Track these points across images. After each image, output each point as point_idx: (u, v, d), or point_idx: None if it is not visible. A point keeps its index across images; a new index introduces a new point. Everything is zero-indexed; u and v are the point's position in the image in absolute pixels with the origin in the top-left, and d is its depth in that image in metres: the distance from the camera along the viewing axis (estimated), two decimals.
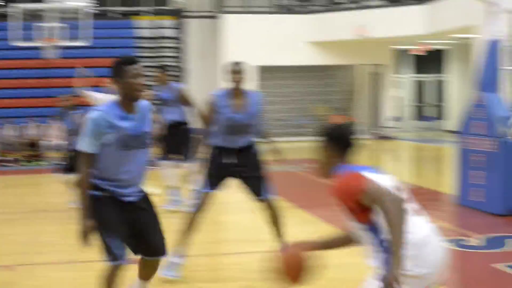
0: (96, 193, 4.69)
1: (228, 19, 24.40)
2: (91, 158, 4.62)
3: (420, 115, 29.82)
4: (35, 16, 21.36)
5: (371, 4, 24.37)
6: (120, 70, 4.63)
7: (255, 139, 7.09)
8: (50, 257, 8.00)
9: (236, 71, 6.96)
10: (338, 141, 3.90)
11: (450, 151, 15.47)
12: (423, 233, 3.74)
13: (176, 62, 23.98)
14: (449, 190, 11.38)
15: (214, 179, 6.93)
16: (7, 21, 20.90)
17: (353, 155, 3.93)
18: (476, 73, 10.72)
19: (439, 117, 29.40)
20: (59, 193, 11.44)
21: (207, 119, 7.01)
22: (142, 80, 4.65)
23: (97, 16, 23.06)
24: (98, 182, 4.70)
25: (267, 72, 24.95)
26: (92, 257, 4.77)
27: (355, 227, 3.80)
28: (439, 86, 30.03)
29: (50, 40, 20.45)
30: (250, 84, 23.78)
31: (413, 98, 30.41)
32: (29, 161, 18.41)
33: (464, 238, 8.45)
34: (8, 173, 16.89)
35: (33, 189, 14.41)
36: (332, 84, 26.56)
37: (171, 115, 10.32)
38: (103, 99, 11.28)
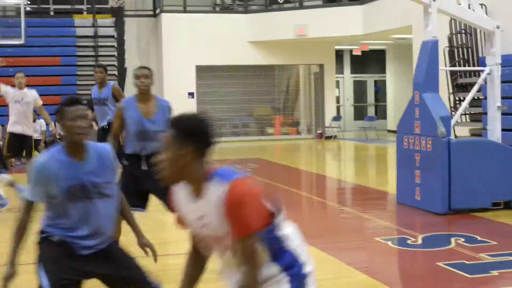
0: (43, 236, 4.44)
1: (167, 18, 24.26)
2: (31, 206, 4.37)
3: (361, 115, 30.11)
4: None
5: (310, 4, 24.51)
6: (61, 111, 4.35)
7: None
8: None
9: (140, 75, 6.73)
10: (197, 135, 3.06)
11: (391, 151, 15.67)
12: (298, 237, 3.35)
13: (116, 61, 23.75)
14: (392, 190, 11.51)
15: (125, 193, 6.75)
16: None
17: (211, 155, 3.14)
18: (414, 73, 10.87)
19: (380, 116, 29.74)
20: None
21: (117, 126, 6.85)
22: (83, 123, 4.29)
23: (37, 13, 22.69)
24: (51, 231, 4.42)
25: (207, 71, 24.91)
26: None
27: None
28: (380, 86, 30.39)
29: None
30: (190, 83, 23.46)
31: (354, 98, 30.71)
32: None
33: (406, 236, 8.54)
34: None
35: None
36: (274, 84, 26.67)
37: (111, 115, 10.33)
38: (12, 94, 11.46)
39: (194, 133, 3.04)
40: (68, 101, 4.38)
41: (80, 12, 25.07)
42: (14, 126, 11.55)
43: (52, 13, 25.22)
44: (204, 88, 25.00)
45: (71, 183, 4.30)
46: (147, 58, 24.57)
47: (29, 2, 21.82)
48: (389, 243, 8.25)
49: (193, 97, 24.22)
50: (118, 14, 24.49)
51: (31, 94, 11.73)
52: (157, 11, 24.95)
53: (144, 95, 6.74)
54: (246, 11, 25.25)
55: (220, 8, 26.10)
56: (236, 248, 3.06)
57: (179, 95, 23.73)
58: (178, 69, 23.97)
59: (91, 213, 4.39)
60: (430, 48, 10.40)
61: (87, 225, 4.40)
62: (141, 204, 6.75)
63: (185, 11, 24.68)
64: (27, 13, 21.06)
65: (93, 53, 23.68)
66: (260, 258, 3.07)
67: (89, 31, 24.12)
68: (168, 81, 23.92)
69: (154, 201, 6.89)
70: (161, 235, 9.10)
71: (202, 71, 24.73)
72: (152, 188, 6.64)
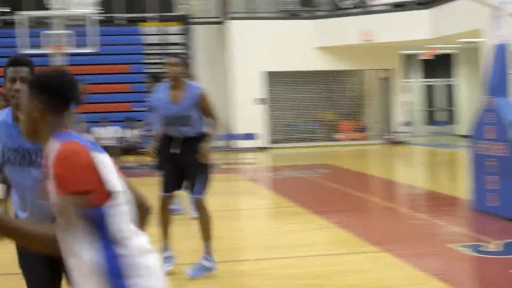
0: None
1: (234, 25, 24.41)
2: None
3: (431, 120, 29.76)
4: (42, 23, 21.40)
5: (376, 9, 24.37)
6: (4, 71, 4.00)
7: (201, 132, 7.02)
8: None
9: (170, 64, 7.03)
10: (49, 91, 2.87)
11: (462, 156, 15.43)
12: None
13: None
14: (464, 195, 11.32)
15: (166, 177, 7.10)
16: (14, 29, 20.95)
17: (72, 117, 2.96)
18: (484, 77, 10.68)
19: (450, 121, 29.35)
20: None
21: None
22: (22, 86, 3.87)
23: (103, 22, 23.10)
24: (18, 214, 4.18)
25: (275, 77, 24.96)
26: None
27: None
28: (449, 91, 29.98)
29: (58, 47, 20.44)
30: (258, 90, 23.59)
31: (423, 103, 30.35)
32: None
33: (481, 243, 8.38)
34: None
35: None
36: (341, 89, 26.53)
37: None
38: None
39: (46, 88, 2.86)
40: (10, 60, 3.99)
41: (146, 20, 25.40)
42: None
43: (119, 21, 25.64)
44: (272, 94, 25.06)
45: (8, 146, 4.01)
46: (215, 65, 24.76)
47: (103, 11, 22.22)
48: (463, 249, 8.11)
49: (262, 103, 24.30)
50: (186, 21, 24.75)
51: None
52: (224, 18, 25.12)
53: (174, 81, 7.04)
54: (313, 17, 25.24)
55: (286, 14, 26.13)
56: (57, 205, 2.73)
57: (247, 101, 23.90)
58: (245, 75, 24.09)
59: (26, 182, 4.02)
60: (500, 51, 10.22)
61: (23, 196, 4.07)
62: (174, 185, 7.17)
63: (252, 18, 24.81)
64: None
65: (160, 61, 23.98)
66: (66, 224, 2.71)
67: (157, 39, 24.44)
68: (236, 87, 24.08)
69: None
70: (232, 241, 9.10)
71: (271, 77, 24.79)
72: (183, 169, 7.03)
